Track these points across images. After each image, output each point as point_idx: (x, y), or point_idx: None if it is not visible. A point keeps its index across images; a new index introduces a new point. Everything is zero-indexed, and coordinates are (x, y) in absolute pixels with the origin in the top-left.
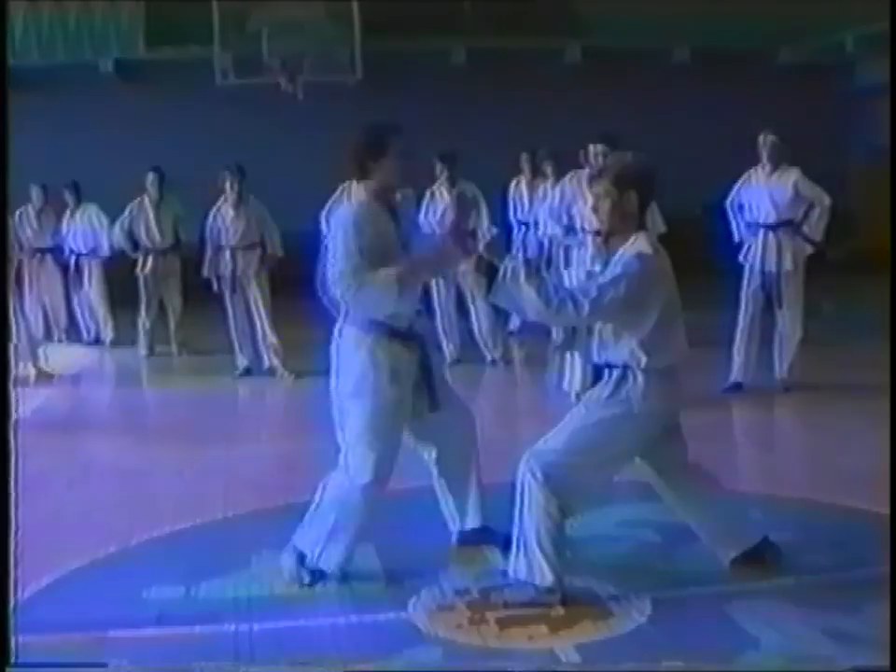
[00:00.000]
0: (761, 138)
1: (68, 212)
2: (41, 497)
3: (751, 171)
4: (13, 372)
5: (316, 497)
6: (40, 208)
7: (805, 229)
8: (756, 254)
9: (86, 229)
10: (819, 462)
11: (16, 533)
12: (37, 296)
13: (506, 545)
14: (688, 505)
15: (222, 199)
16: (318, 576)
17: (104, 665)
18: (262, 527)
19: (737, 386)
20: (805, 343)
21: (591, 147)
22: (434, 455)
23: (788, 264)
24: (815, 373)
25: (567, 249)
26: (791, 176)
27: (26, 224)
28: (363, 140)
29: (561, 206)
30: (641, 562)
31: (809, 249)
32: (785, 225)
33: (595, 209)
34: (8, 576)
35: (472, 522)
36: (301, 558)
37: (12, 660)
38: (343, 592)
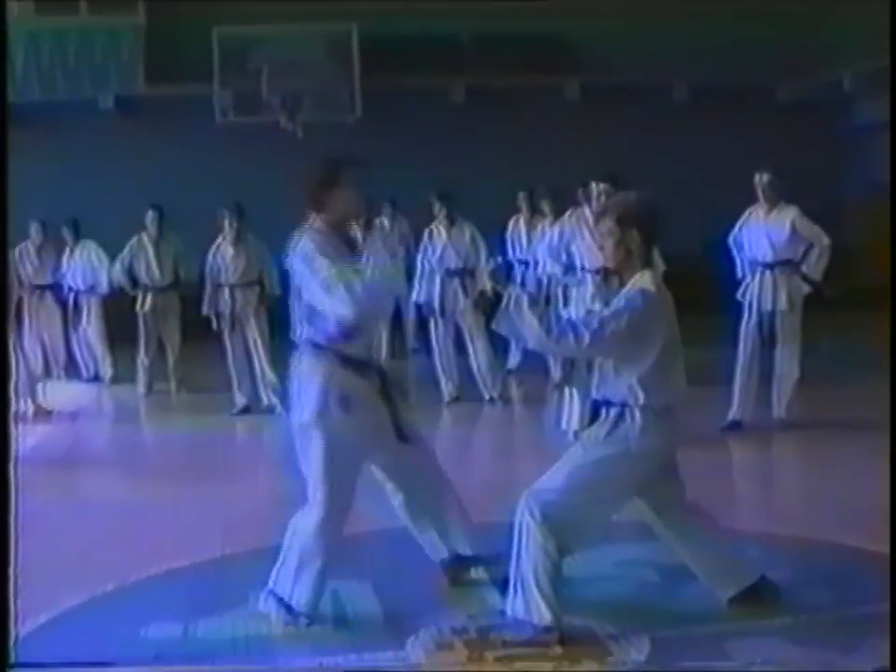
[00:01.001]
0: (756, 177)
1: (67, 249)
2: (39, 533)
3: (751, 209)
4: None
5: (286, 537)
6: (39, 244)
7: (804, 268)
8: (753, 292)
9: (85, 266)
10: (817, 500)
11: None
12: (37, 332)
13: (498, 576)
14: (686, 544)
15: (221, 237)
16: (298, 617)
17: (106, 665)
18: (260, 565)
19: (736, 425)
20: (804, 379)
21: (592, 186)
22: (402, 497)
23: (783, 304)
24: (814, 410)
25: (566, 288)
26: (789, 215)
27: (26, 260)
28: (315, 173)
29: (560, 244)
30: (640, 601)
31: (806, 289)
32: (783, 264)
33: (601, 247)
34: (9, 576)
35: (462, 549)
36: (280, 600)
37: (12, 660)
38: (340, 631)
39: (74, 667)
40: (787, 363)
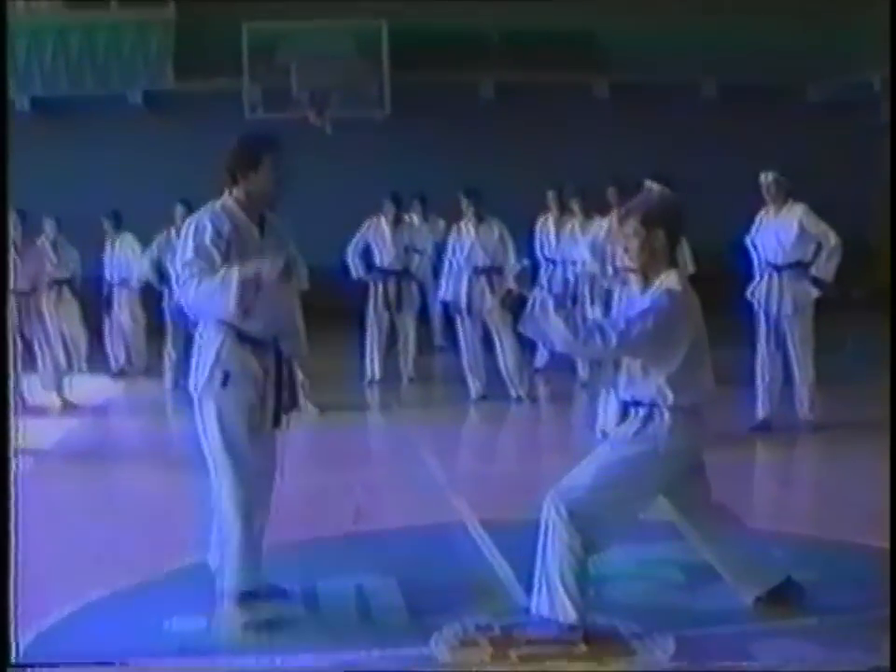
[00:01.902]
0: (762, 177)
1: (108, 241)
2: (64, 526)
3: (764, 209)
4: (36, 402)
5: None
6: (54, 239)
7: (814, 270)
8: (762, 294)
9: (121, 258)
10: (843, 501)
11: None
12: (58, 326)
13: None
14: (711, 544)
15: None
16: (241, 599)
17: (109, 664)
18: (286, 560)
19: (764, 425)
20: (828, 378)
21: (646, 184)
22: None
23: (788, 308)
24: (839, 410)
25: (598, 286)
26: (797, 213)
27: (43, 255)
28: (237, 151)
29: (605, 243)
30: (665, 600)
31: (815, 293)
32: (793, 267)
33: (626, 249)
34: (9, 575)
35: None
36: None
37: (12, 660)
38: (364, 627)
39: (74, 667)
40: (799, 365)
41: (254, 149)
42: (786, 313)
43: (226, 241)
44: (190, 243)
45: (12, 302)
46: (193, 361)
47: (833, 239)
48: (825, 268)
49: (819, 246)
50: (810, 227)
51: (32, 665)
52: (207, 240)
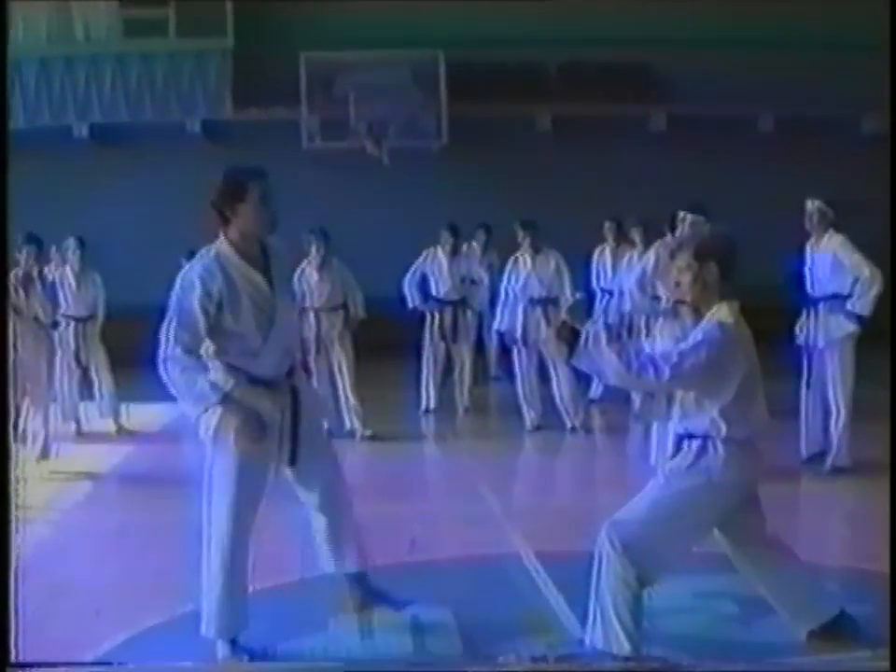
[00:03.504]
0: (808, 204)
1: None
2: (119, 553)
3: (811, 240)
4: (93, 428)
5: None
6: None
7: (848, 305)
8: (803, 328)
9: None
10: (885, 532)
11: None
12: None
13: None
14: (765, 577)
15: (306, 262)
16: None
17: (107, 664)
18: (339, 590)
19: (816, 457)
20: (871, 412)
21: (680, 215)
22: (316, 500)
23: (821, 341)
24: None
25: (652, 319)
26: (834, 245)
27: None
28: (222, 185)
29: (654, 274)
30: (718, 633)
31: (851, 327)
32: (829, 299)
33: (678, 283)
34: (9, 575)
35: (349, 565)
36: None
37: (12, 660)
38: (420, 657)
39: (74, 667)
40: (833, 400)
41: (238, 180)
42: (820, 346)
43: (216, 301)
44: (177, 306)
45: (71, 329)
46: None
47: (867, 271)
48: (861, 302)
49: (857, 279)
50: (845, 259)
51: (32, 665)
52: (195, 303)
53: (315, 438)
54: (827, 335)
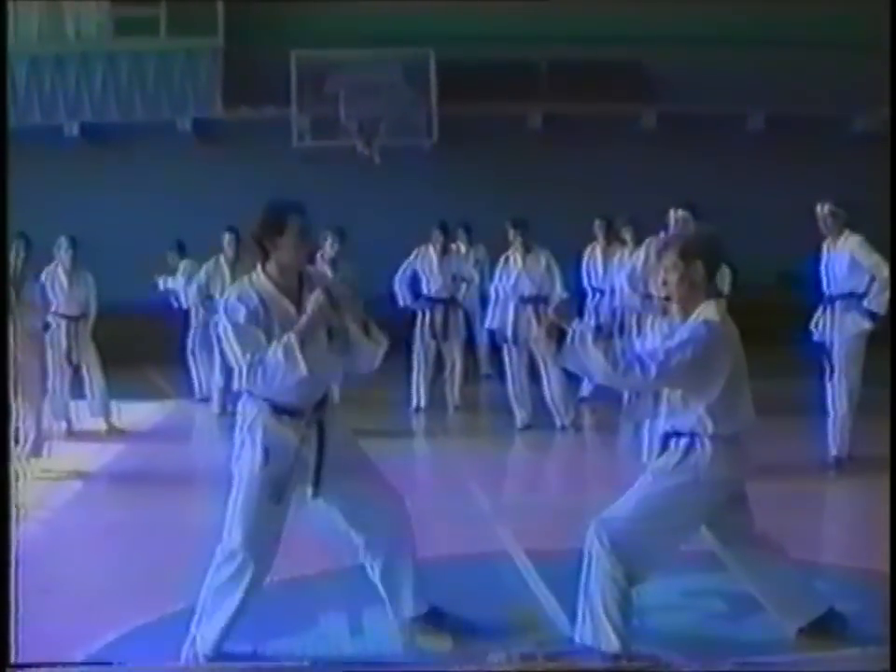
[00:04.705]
0: (818, 208)
1: (180, 269)
2: (110, 551)
3: (826, 241)
4: (84, 427)
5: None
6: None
7: (865, 303)
8: (818, 325)
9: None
10: (885, 532)
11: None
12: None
13: (456, 628)
14: (754, 575)
15: (319, 255)
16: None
17: (106, 664)
18: (330, 588)
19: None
20: (873, 409)
21: (670, 213)
22: (363, 540)
23: (835, 338)
24: (883, 442)
25: (642, 316)
26: (851, 245)
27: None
28: (262, 218)
29: (644, 272)
30: (707, 631)
31: (867, 325)
32: (846, 297)
33: (665, 281)
34: (9, 574)
35: (415, 609)
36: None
37: (12, 660)
38: (410, 655)
39: (74, 667)
40: (837, 397)
41: (278, 214)
42: (832, 342)
43: (258, 316)
44: (231, 334)
45: (63, 328)
46: (236, 436)
47: (885, 270)
48: (876, 299)
49: (874, 278)
50: (862, 258)
51: (32, 665)
52: (242, 320)
53: (352, 474)
54: (842, 332)
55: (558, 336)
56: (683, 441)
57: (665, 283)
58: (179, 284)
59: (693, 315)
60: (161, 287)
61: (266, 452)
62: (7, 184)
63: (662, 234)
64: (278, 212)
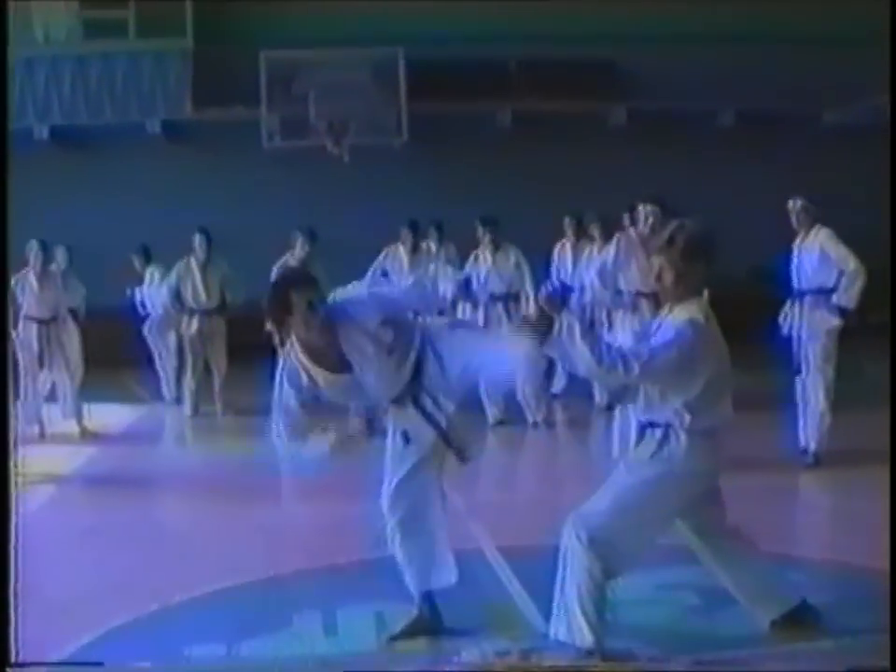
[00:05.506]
0: (790, 203)
1: (148, 275)
2: (84, 554)
3: (798, 236)
4: (56, 430)
5: None
6: (65, 269)
7: (835, 298)
8: (786, 320)
9: (152, 290)
10: (857, 525)
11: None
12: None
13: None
14: (727, 568)
15: (289, 254)
16: None
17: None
18: (305, 587)
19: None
20: (845, 405)
21: (639, 208)
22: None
23: (804, 334)
24: (854, 436)
25: (612, 312)
26: (820, 239)
27: (59, 283)
28: (268, 300)
29: (612, 269)
30: (681, 624)
31: (835, 321)
32: (814, 292)
33: (658, 278)
34: (9, 574)
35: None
36: None
37: (12, 660)
38: (383, 651)
39: (74, 667)
40: (811, 393)
41: (281, 292)
42: (803, 338)
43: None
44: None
45: (34, 331)
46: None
47: (852, 264)
48: (846, 295)
49: (842, 273)
50: (830, 252)
51: (32, 665)
52: (295, 398)
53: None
54: (811, 327)
55: (546, 326)
56: (658, 432)
57: (658, 278)
58: (152, 293)
59: (678, 314)
60: (137, 297)
61: (405, 434)
62: (7, 185)
63: (632, 230)
64: (281, 290)
